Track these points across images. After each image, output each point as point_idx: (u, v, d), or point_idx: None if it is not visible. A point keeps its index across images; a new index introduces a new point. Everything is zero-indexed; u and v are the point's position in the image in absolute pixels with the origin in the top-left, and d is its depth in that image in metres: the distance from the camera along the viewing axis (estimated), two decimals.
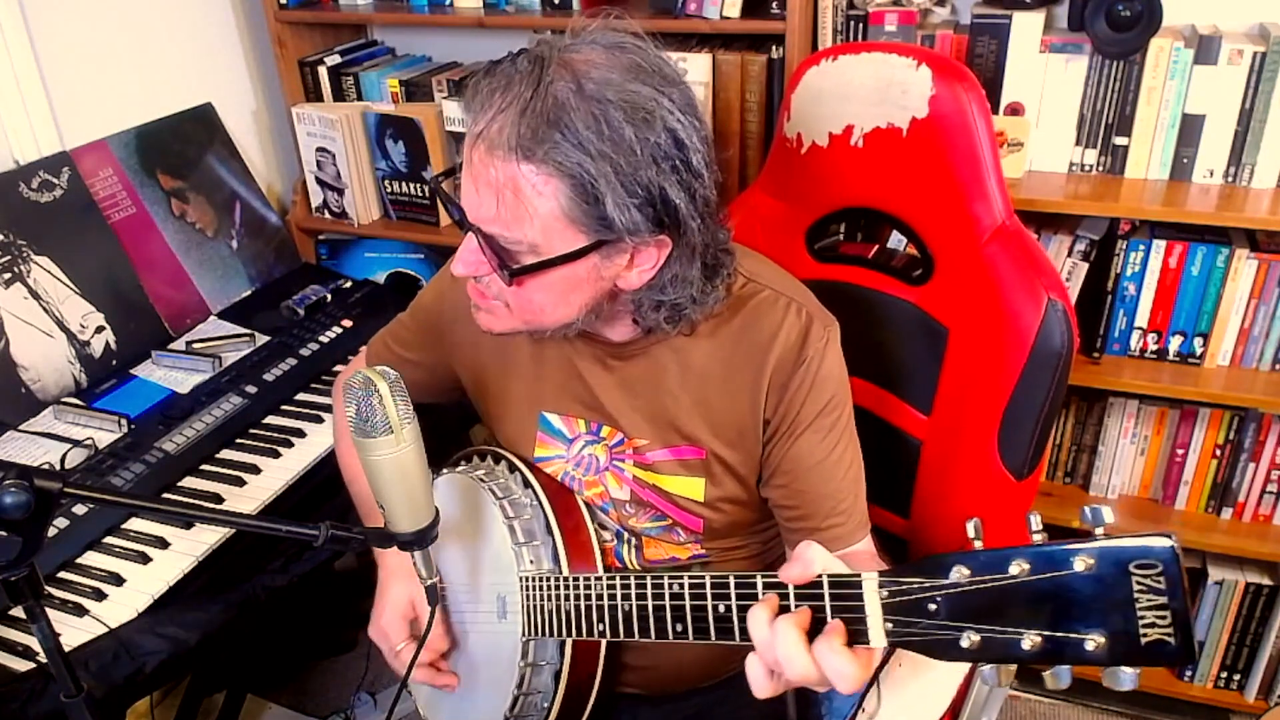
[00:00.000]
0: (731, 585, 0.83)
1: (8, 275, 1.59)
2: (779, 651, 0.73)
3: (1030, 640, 0.62)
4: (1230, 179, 1.57)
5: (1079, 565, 0.60)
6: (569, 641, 1.06)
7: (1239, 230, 1.60)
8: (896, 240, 1.62)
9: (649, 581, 0.91)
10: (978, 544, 0.67)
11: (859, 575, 0.72)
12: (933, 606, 0.66)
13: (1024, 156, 1.64)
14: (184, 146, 1.92)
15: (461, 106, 0.92)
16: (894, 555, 1.35)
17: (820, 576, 0.74)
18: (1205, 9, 1.58)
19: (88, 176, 1.74)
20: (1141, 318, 1.66)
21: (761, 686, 0.77)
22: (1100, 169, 1.64)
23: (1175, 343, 1.66)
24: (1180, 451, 1.74)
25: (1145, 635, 0.59)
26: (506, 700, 1.07)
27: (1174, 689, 1.88)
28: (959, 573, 0.65)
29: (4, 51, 1.66)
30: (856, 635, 0.72)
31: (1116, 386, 1.67)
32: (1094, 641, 0.60)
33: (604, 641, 1.09)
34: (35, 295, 1.62)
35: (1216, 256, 1.58)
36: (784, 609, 0.76)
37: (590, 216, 0.88)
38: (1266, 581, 1.76)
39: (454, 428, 1.28)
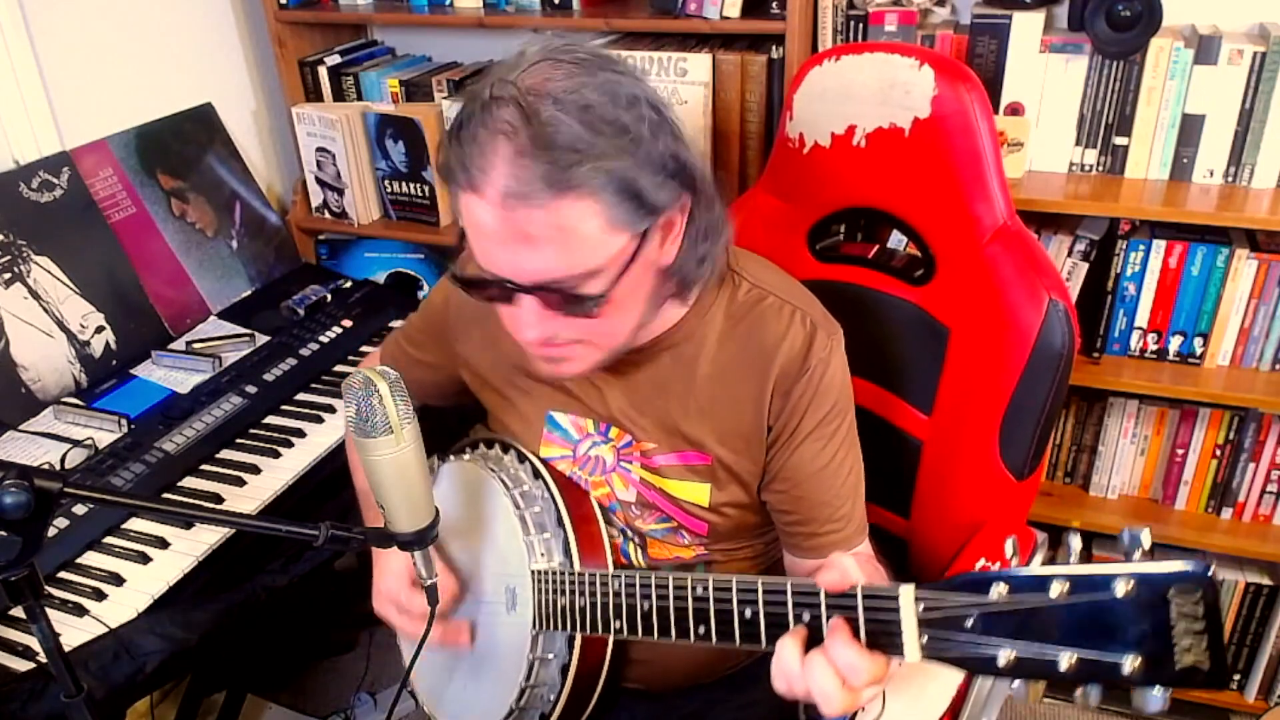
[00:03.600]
0: (760, 591, 0.82)
1: (8, 275, 1.59)
2: (814, 687, 0.74)
3: (1067, 660, 0.63)
4: (1230, 179, 1.57)
5: (1119, 589, 0.61)
6: (578, 635, 1.06)
7: (1239, 230, 1.60)
8: (897, 240, 1.62)
9: (670, 582, 0.90)
10: (1015, 562, 0.68)
11: (896, 588, 0.72)
12: (969, 622, 0.67)
13: (1024, 156, 1.64)
14: (184, 146, 1.92)
15: (449, 181, 0.88)
16: (894, 555, 1.35)
17: (855, 587, 0.74)
18: (1205, 9, 1.58)
19: (88, 176, 1.74)
20: (1141, 318, 1.66)
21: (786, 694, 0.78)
22: (1100, 169, 1.64)
23: (1175, 343, 1.66)
24: (1180, 451, 1.74)
25: (1180, 660, 0.59)
26: (513, 692, 1.07)
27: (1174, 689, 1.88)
28: (998, 590, 0.66)
29: (4, 51, 1.66)
30: (890, 648, 0.72)
31: (1116, 386, 1.67)
32: (1130, 664, 0.61)
33: (612, 636, 1.09)
34: (35, 295, 1.62)
35: (1216, 256, 1.58)
36: (813, 631, 0.77)
37: (632, 212, 0.87)
38: (1266, 581, 1.76)
39: (454, 427, 1.28)
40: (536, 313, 0.90)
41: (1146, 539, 0.62)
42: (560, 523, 1.08)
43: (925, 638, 0.70)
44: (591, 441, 1.12)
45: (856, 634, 0.73)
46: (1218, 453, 1.72)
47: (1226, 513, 1.75)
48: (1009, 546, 0.69)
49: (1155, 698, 0.61)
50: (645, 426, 1.09)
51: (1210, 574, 0.59)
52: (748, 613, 0.83)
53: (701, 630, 0.87)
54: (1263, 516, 1.74)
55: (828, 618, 0.76)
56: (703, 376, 1.06)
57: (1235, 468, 1.71)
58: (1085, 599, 0.62)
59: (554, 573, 1.04)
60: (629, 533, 1.15)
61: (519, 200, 0.83)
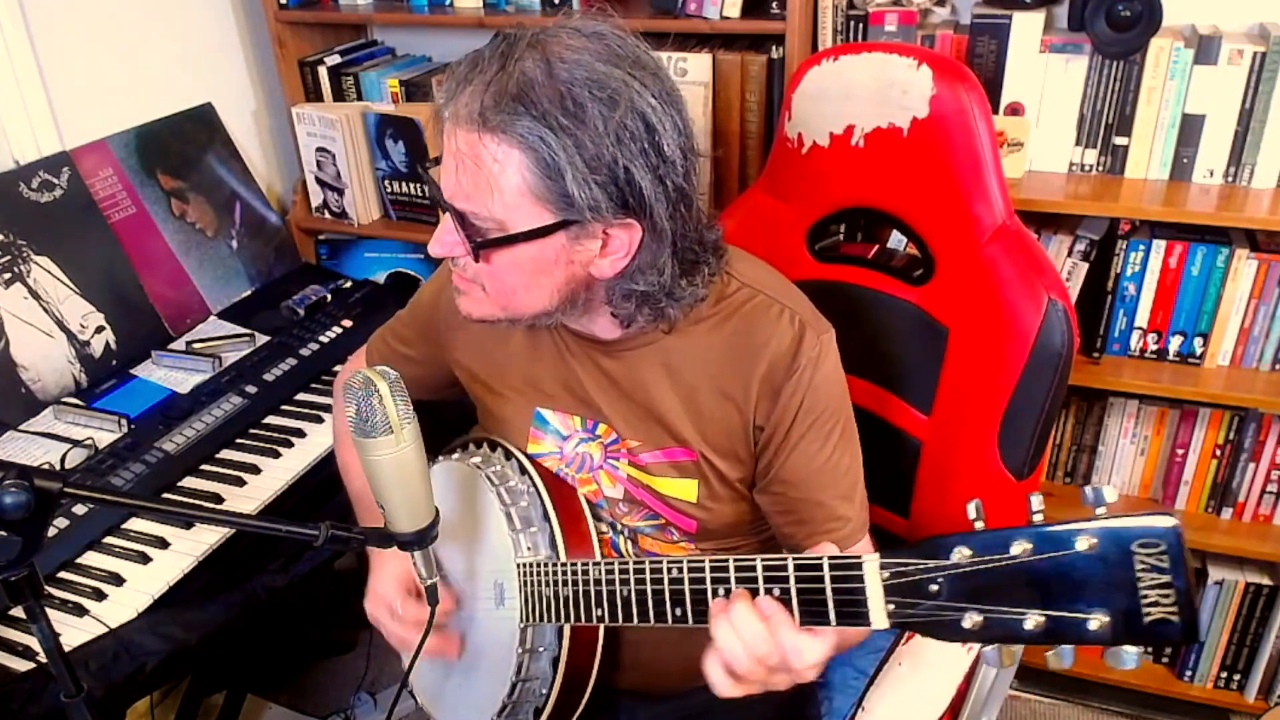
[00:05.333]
0: (731, 568, 0.83)
1: (8, 275, 1.59)
2: (743, 632, 0.77)
3: (1033, 620, 0.62)
4: (1230, 179, 1.57)
5: (1081, 545, 0.60)
6: (567, 627, 1.06)
7: (1239, 230, 1.60)
8: (897, 240, 1.62)
9: (648, 566, 0.91)
10: (979, 525, 0.67)
11: (859, 557, 0.73)
12: (934, 587, 0.67)
13: (1024, 156, 1.64)
14: (184, 146, 1.92)
15: (441, 93, 0.94)
16: None
17: (821, 559, 0.75)
18: (1205, 9, 1.58)
19: (88, 176, 1.74)
20: (1141, 318, 1.66)
21: (724, 685, 0.81)
22: (1100, 169, 1.64)
23: (1175, 343, 1.66)
24: (1180, 451, 1.74)
25: (1149, 614, 0.59)
26: (505, 687, 1.07)
27: (1174, 689, 1.88)
28: (960, 553, 0.65)
29: (4, 51, 1.66)
30: (857, 617, 0.72)
31: (1116, 386, 1.67)
32: (1097, 621, 0.60)
33: (602, 628, 1.09)
34: (35, 295, 1.62)
35: (1216, 256, 1.58)
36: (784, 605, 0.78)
37: (553, 193, 0.88)
38: (1266, 581, 1.76)
39: (454, 426, 1.28)
40: (449, 231, 0.94)
41: (1110, 494, 0.62)
42: (546, 517, 1.08)
43: (891, 605, 0.70)
44: (579, 438, 1.12)
45: (825, 606, 0.75)
46: (1218, 453, 1.72)
47: (1226, 513, 1.75)
48: (972, 509, 0.68)
49: (1129, 655, 0.60)
50: (630, 423, 1.09)
51: (1174, 526, 0.58)
52: (721, 591, 0.84)
53: (679, 612, 0.88)
54: (1263, 516, 1.74)
55: (797, 591, 0.77)
56: (688, 373, 1.05)
57: (1235, 468, 1.71)
58: (1048, 557, 0.62)
59: (539, 565, 1.04)
60: (619, 527, 1.15)
61: (454, 121, 0.89)
